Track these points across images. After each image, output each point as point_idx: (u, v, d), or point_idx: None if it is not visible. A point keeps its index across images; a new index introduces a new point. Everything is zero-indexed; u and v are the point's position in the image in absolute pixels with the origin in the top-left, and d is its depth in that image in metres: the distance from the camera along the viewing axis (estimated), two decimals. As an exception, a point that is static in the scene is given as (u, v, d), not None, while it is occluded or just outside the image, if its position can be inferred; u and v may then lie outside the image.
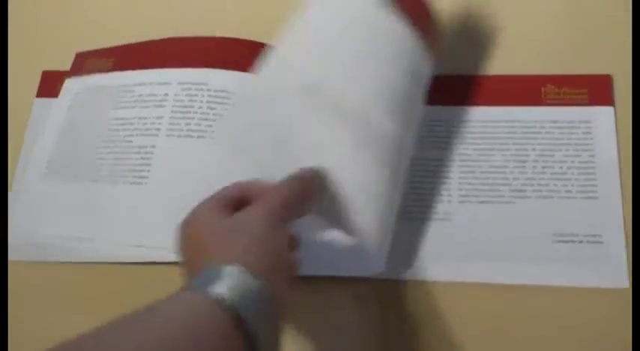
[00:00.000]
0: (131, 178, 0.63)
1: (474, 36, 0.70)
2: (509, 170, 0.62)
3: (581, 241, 0.58)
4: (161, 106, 0.65)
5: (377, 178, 0.55)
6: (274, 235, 0.45)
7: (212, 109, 0.64)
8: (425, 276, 0.59)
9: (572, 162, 0.61)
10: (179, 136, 0.63)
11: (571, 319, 0.56)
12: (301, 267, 0.49)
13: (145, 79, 0.67)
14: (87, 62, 0.71)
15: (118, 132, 0.66)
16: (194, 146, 0.63)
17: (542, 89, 0.65)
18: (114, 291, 0.60)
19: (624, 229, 0.58)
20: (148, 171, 0.62)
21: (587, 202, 0.60)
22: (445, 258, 0.59)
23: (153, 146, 0.64)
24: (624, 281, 0.56)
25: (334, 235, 0.55)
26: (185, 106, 0.65)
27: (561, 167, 0.61)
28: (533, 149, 0.62)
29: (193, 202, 0.48)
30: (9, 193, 0.65)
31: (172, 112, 0.65)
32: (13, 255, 0.63)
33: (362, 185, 0.54)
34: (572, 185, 0.61)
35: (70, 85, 0.70)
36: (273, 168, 0.51)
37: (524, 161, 0.62)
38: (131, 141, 0.65)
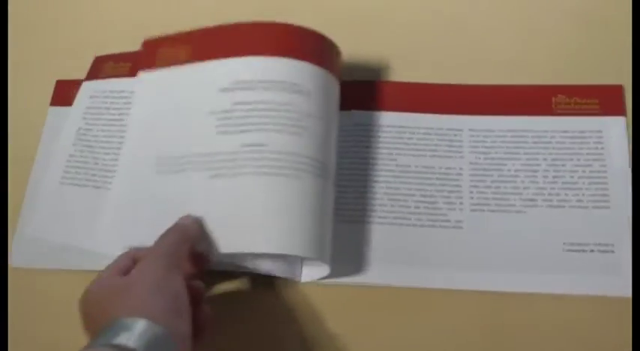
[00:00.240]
0: None
1: (485, 46, 0.70)
2: (521, 179, 0.62)
3: (592, 251, 0.59)
4: None
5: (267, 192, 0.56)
6: (168, 281, 0.48)
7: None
8: (435, 283, 0.59)
9: (584, 172, 0.62)
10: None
11: (580, 328, 0.57)
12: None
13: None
14: (105, 66, 0.70)
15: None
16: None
17: (553, 99, 0.65)
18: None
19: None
20: None
21: (599, 212, 0.60)
22: (456, 266, 0.59)
23: None
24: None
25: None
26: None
27: (572, 177, 0.62)
28: (544, 159, 0.63)
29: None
30: (24, 201, 0.65)
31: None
32: (28, 262, 0.63)
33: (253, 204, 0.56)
34: (584, 195, 0.61)
35: (87, 88, 0.69)
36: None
37: (535, 171, 0.62)
38: None
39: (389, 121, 0.66)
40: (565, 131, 0.64)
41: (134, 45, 0.71)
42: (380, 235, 0.61)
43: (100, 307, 0.48)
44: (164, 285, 0.48)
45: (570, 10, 0.71)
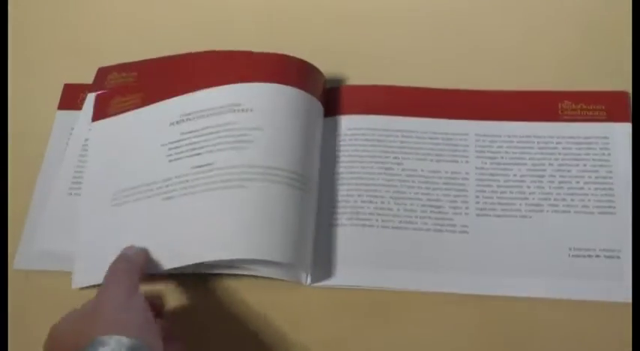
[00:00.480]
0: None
1: (492, 51, 0.70)
2: (527, 185, 0.62)
3: (597, 256, 0.59)
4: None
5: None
6: (132, 299, 0.51)
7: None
8: (441, 287, 0.59)
9: (590, 177, 0.62)
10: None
11: (585, 334, 0.57)
12: None
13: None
14: (109, 77, 0.71)
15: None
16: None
17: (560, 105, 0.66)
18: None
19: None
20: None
21: (604, 218, 0.60)
22: (462, 270, 0.59)
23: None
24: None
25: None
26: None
27: (578, 182, 0.62)
28: (551, 164, 0.63)
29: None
30: (30, 206, 0.66)
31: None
32: (32, 266, 0.63)
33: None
34: (589, 200, 0.61)
35: (93, 100, 0.70)
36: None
37: (541, 176, 0.62)
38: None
39: (395, 125, 0.66)
40: (571, 137, 0.64)
41: (141, 48, 0.72)
42: (386, 238, 0.61)
43: (72, 335, 0.49)
44: (130, 303, 0.51)
45: (577, 17, 0.71)
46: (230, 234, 0.58)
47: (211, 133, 0.63)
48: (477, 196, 0.62)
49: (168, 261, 0.58)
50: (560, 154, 0.63)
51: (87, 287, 0.60)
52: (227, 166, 0.60)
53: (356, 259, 0.60)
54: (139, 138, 0.65)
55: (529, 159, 0.63)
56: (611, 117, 0.64)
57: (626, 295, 0.57)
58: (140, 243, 0.59)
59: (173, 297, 0.60)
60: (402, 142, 0.65)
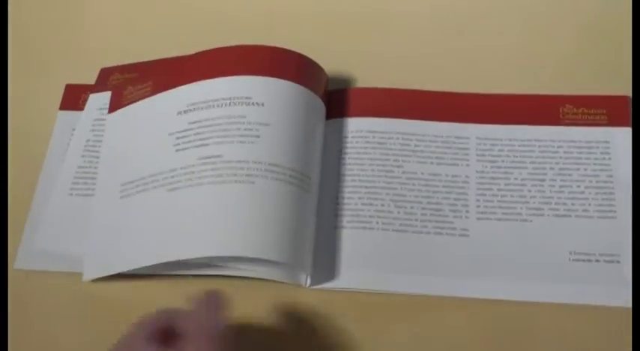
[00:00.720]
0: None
1: (493, 55, 0.70)
2: (527, 188, 0.62)
3: (597, 260, 0.59)
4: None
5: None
6: None
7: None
8: (440, 291, 0.59)
9: (590, 182, 0.62)
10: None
11: (584, 338, 0.57)
12: None
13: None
14: (111, 78, 0.71)
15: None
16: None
17: (561, 109, 0.66)
18: (145, 302, 0.60)
19: None
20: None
21: (605, 222, 0.60)
22: (461, 274, 0.59)
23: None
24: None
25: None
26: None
27: (579, 186, 0.62)
28: (551, 168, 0.63)
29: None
30: (31, 205, 0.66)
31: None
32: (33, 266, 0.63)
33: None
34: (590, 205, 0.61)
35: (95, 100, 0.70)
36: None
37: (542, 180, 0.62)
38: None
39: (396, 128, 0.66)
40: (572, 141, 0.64)
41: (144, 49, 0.72)
42: (386, 241, 0.61)
43: None
44: None
45: (579, 20, 0.71)
46: (231, 231, 0.58)
47: (219, 124, 0.62)
48: (478, 200, 0.62)
49: (168, 255, 0.58)
50: (561, 158, 0.63)
51: (97, 279, 0.60)
52: (234, 159, 0.60)
53: (356, 261, 0.60)
54: (147, 127, 0.65)
55: (530, 163, 0.63)
56: (612, 121, 0.64)
57: (626, 300, 0.56)
58: (144, 236, 0.60)
59: (169, 299, 0.60)
60: (402, 144, 0.65)
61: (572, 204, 0.61)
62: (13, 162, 0.68)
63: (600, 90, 0.66)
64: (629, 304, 0.56)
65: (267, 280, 0.59)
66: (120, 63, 0.72)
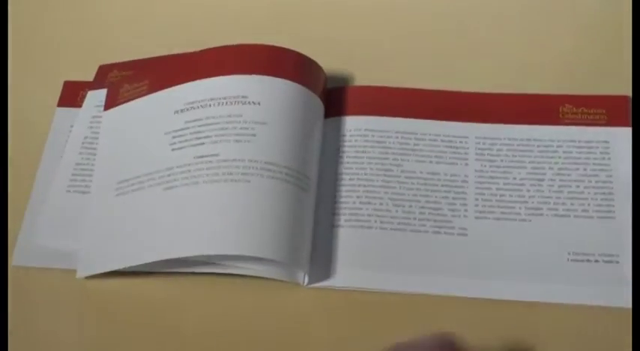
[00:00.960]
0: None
1: (493, 54, 0.70)
2: (526, 188, 0.62)
3: (596, 261, 0.58)
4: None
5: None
6: None
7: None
8: (437, 290, 0.59)
9: (590, 181, 0.62)
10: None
11: (583, 339, 0.57)
12: None
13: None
14: (110, 75, 0.71)
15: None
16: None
17: (561, 109, 0.65)
18: (141, 300, 0.61)
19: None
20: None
21: (604, 222, 0.60)
22: (459, 273, 0.59)
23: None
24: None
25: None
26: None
27: (578, 186, 0.62)
28: (550, 168, 0.63)
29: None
30: (28, 202, 0.65)
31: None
32: (33, 262, 0.63)
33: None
34: (589, 205, 0.61)
35: (93, 97, 0.70)
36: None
37: (540, 180, 0.62)
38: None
39: (395, 126, 0.66)
40: (572, 141, 0.64)
41: (143, 46, 0.72)
42: (384, 240, 0.60)
43: None
44: None
45: (580, 19, 0.71)
46: (227, 229, 0.58)
47: (216, 123, 0.62)
48: (476, 199, 0.62)
49: (163, 253, 0.58)
50: (560, 157, 0.63)
51: (93, 276, 0.60)
52: (230, 158, 0.60)
53: (354, 260, 0.60)
54: (143, 126, 0.65)
55: (529, 162, 0.63)
56: (612, 121, 0.64)
57: (626, 300, 0.56)
58: (140, 234, 0.60)
59: (167, 297, 0.60)
60: (401, 143, 0.65)
61: (572, 204, 0.61)
62: (10, 158, 0.67)
63: (600, 90, 0.66)
64: (629, 305, 0.56)
65: (264, 278, 0.59)
66: (120, 60, 0.72)
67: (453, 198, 0.62)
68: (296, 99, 0.64)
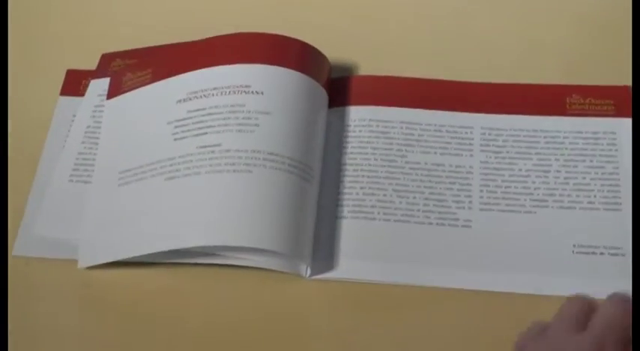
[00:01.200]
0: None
1: (499, 44, 0.70)
2: (532, 180, 0.61)
3: (602, 253, 0.58)
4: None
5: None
6: None
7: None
8: (442, 282, 0.58)
9: (596, 173, 0.61)
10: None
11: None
12: None
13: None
14: (113, 63, 0.71)
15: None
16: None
17: (568, 99, 0.65)
18: (141, 291, 0.60)
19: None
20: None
21: (610, 214, 0.59)
22: (464, 265, 0.59)
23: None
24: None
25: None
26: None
27: (584, 178, 0.61)
28: (557, 159, 0.62)
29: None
30: (30, 192, 0.65)
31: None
32: (34, 252, 0.62)
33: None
34: (595, 197, 0.60)
35: (96, 86, 0.70)
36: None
37: (546, 171, 0.62)
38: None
39: (400, 117, 0.65)
40: (578, 132, 0.63)
41: (146, 35, 0.71)
42: (387, 232, 0.60)
43: None
44: None
45: (587, 8, 0.70)
46: (228, 220, 0.57)
47: (219, 112, 0.62)
48: (481, 191, 0.61)
49: (164, 243, 0.58)
50: (566, 149, 0.62)
51: (95, 266, 0.60)
52: (233, 148, 0.60)
53: (357, 252, 0.60)
54: (146, 115, 0.65)
55: (535, 153, 0.63)
56: (620, 112, 0.63)
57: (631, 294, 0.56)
58: (141, 224, 0.59)
59: (166, 287, 0.60)
60: (406, 134, 0.64)
61: (577, 196, 0.60)
62: (12, 147, 0.67)
63: (607, 80, 0.65)
64: (634, 297, 0.55)
65: (266, 269, 0.58)
66: (123, 48, 0.72)
67: (458, 189, 0.61)
68: (300, 89, 0.63)
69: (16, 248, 0.62)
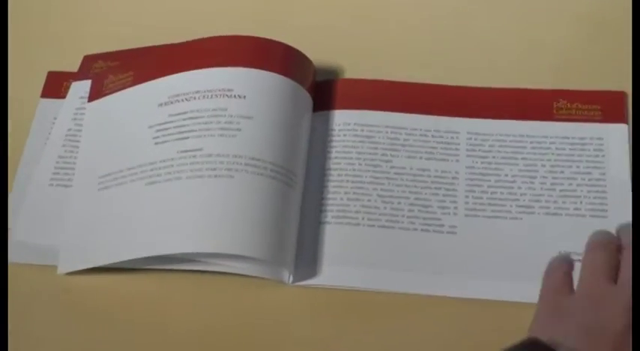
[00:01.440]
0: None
1: (486, 48, 0.69)
2: (518, 185, 0.61)
3: (588, 260, 0.57)
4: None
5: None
6: None
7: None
8: (426, 290, 0.58)
9: (583, 179, 0.61)
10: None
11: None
12: None
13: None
14: (95, 65, 0.70)
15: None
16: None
17: (554, 104, 0.64)
18: (122, 297, 0.60)
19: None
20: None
21: (596, 221, 0.59)
22: (448, 272, 0.58)
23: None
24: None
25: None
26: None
27: (571, 184, 0.61)
28: (543, 165, 0.62)
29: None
30: (10, 196, 0.64)
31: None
32: (12, 258, 0.61)
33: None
34: (581, 203, 0.60)
35: (77, 88, 0.69)
36: None
37: (533, 177, 0.61)
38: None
39: (385, 121, 0.64)
40: (565, 137, 0.63)
41: (128, 37, 0.71)
42: (371, 237, 0.59)
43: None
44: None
45: (575, 14, 0.70)
46: (209, 226, 0.57)
47: (200, 117, 0.61)
48: (467, 196, 0.61)
49: (144, 250, 0.57)
50: (553, 154, 0.62)
51: (74, 272, 0.59)
52: (214, 153, 0.59)
53: (341, 258, 0.59)
54: (127, 119, 0.65)
55: (521, 159, 0.62)
56: (607, 118, 0.63)
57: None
58: (121, 230, 0.59)
59: (146, 293, 0.59)
60: (391, 138, 0.64)
61: (564, 202, 0.60)
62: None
63: (595, 85, 0.65)
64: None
65: (248, 275, 0.58)
66: (105, 50, 0.71)
67: (443, 195, 0.61)
68: (283, 92, 0.63)
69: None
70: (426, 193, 0.61)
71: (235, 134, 0.60)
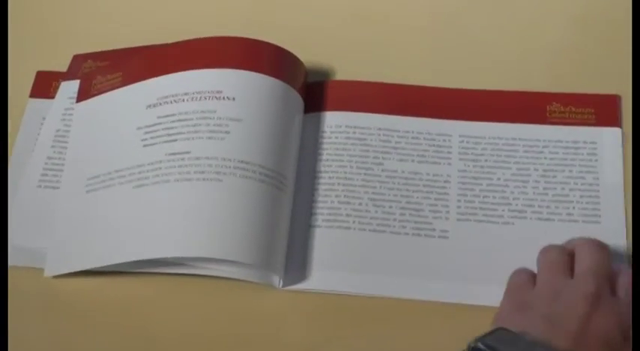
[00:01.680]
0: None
1: (479, 50, 0.69)
2: (510, 190, 0.60)
3: (580, 266, 0.57)
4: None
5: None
6: None
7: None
8: (418, 295, 0.57)
9: (576, 184, 0.60)
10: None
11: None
12: None
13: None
14: (84, 65, 0.69)
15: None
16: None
17: (548, 107, 0.64)
18: (110, 300, 0.59)
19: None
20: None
21: (589, 227, 0.58)
22: (440, 277, 0.58)
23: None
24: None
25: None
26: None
27: (564, 189, 0.60)
28: (536, 169, 0.61)
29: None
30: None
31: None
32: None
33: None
34: (574, 208, 0.59)
35: (66, 88, 0.68)
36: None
37: (525, 181, 0.61)
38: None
39: (377, 123, 0.64)
40: (558, 141, 0.62)
41: (118, 37, 0.70)
42: (362, 242, 0.59)
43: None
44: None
45: (569, 17, 0.70)
46: (197, 230, 0.56)
47: (189, 119, 0.61)
48: (459, 200, 0.60)
49: (132, 254, 0.57)
50: (546, 158, 0.61)
51: (62, 275, 0.59)
52: (203, 156, 0.58)
53: (331, 262, 0.58)
54: (115, 120, 0.64)
55: (514, 163, 0.61)
56: (601, 121, 0.62)
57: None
58: (108, 233, 0.58)
59: (134, 297, 0.59)
60: (383, 141, 0.63)
61: (556, 207, 0.59)
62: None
63: (589, 88, 0.64)
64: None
65: (238, 279, 0.57)
66: (95, 50, 0.70)
67: (435, 199, 0.60)
68: (273, 94, 0.62)
69: None
70: (417, 197, 0.61)
71: (224, 137, 0.59)
